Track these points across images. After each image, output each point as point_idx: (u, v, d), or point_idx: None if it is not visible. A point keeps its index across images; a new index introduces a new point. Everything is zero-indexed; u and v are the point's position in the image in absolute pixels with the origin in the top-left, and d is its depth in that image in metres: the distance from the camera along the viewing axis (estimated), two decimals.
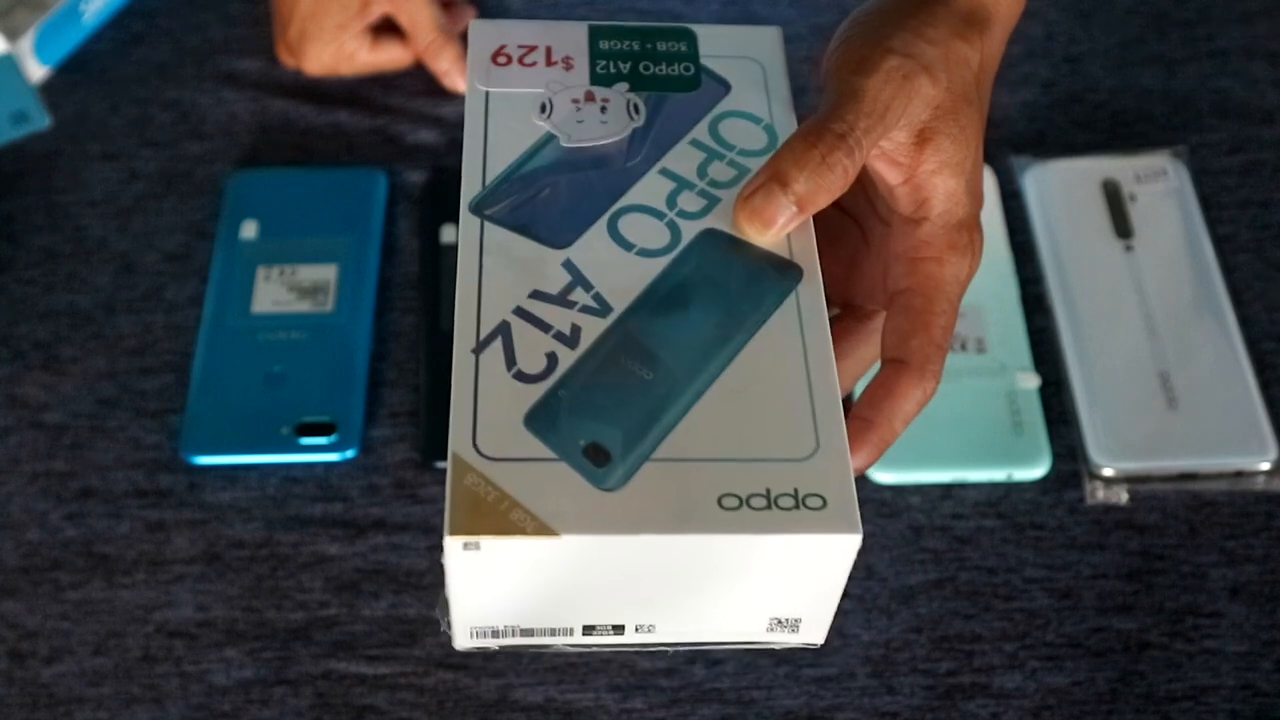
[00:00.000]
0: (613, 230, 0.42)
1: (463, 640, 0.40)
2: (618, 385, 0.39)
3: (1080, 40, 0.81)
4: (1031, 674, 0.60)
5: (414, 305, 0.70)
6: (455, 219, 0.71)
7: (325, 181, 0.74)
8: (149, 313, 0.70)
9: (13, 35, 0.76)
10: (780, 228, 0.42)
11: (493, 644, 0.40)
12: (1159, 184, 0.73)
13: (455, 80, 0.77)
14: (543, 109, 0.45)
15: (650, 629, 0.40)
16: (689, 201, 0.43)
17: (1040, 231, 0.72)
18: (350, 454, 0.65)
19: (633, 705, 0.59)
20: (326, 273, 0.70)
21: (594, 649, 0.40)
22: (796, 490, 0.37)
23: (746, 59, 0.47)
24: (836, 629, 0.61)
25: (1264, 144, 0.76)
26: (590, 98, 0.46)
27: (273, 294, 0.70)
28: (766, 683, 0.60)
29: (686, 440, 0.38)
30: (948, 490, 0.65)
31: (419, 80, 0.78)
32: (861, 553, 0.62)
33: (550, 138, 0.45)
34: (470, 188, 0.43)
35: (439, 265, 0.71)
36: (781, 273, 0.41)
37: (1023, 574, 0.62)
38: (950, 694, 0.59)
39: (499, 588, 0.37)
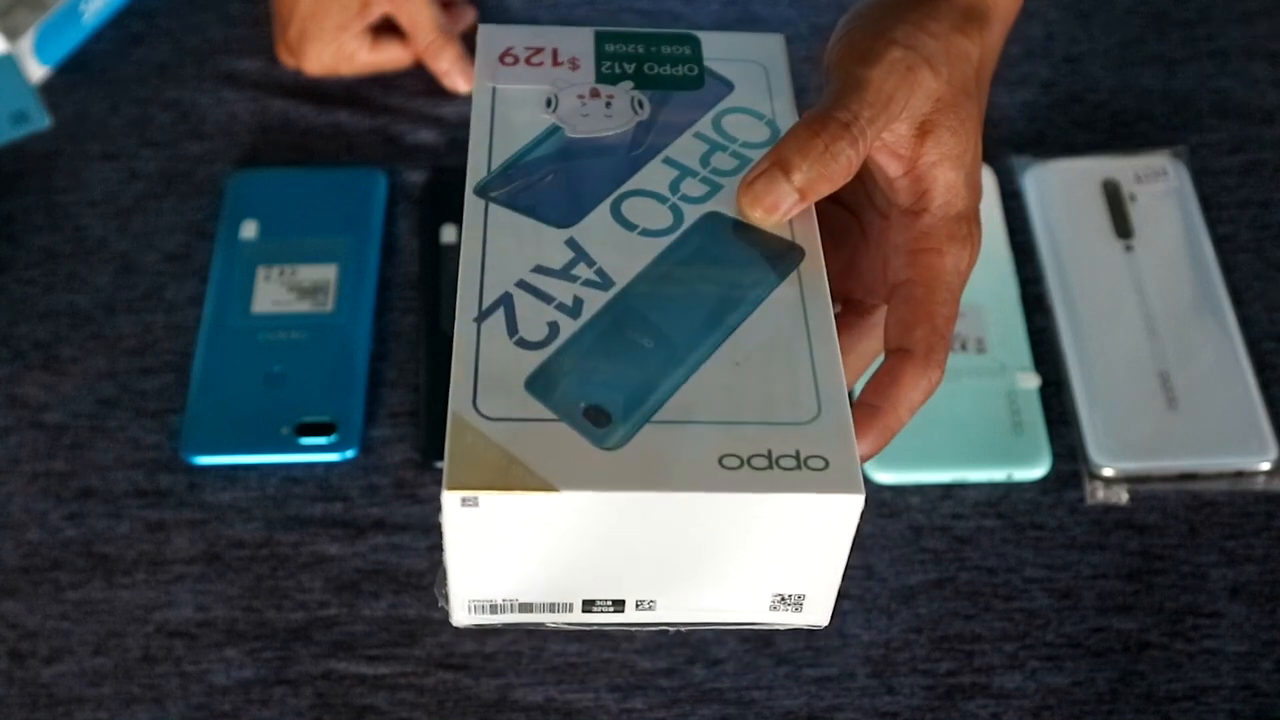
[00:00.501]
0: (616, 213, 0.42)
1: (461, 616, 0.39)
2: (619, 352, 0.39)
3: (1080, 40, 0.81)
4: (1031, 674, 0.60)
5: (414, 305, 0.70)
6: (455, 219, 0.71)
7: (325, 181, 0.74)
8: (149, 313, 0.70)
9: (13, 35, 0.76)
10: (782, 214, 0.42)
11: (491, 620, 0.39)
12: (1159, 184, 0.73)
13: (455, 80, 0.77)
14: (548, 103, 0.46)
15: (650, 605, 0.39)
16: (692, 188, 0.43)
17: (1040, 231, 0.72)
18: (350, 454, 0.65)
19: (633, 705, 0.59)
20: (326, 273, 0.70)
21: (594, 628, 0.40)
22: (798, 452, 0.37)
23: (750, 62, 0.48)
24: (836, 629, 0.61)
25: (1264, 144, 0.76)
26: (595, 94, 0.46)
27: (273, 294, 0.69)
28: (766, 683, 0.60)
29: (688, 403, 0.38)
30: (948, 490, 0.65)
31: (419, 80, 0.78)
32: (861, 553, 0.63)
33: (555, 129, 0.45)
34: (475, 174, 0.43)
35: (439, 265, 0.71)
36: (784, 252, 0.42)
37: (1023, 574, 0.62)
38: (950, 694, 0.59)
39: (497, 552, 0.37)
